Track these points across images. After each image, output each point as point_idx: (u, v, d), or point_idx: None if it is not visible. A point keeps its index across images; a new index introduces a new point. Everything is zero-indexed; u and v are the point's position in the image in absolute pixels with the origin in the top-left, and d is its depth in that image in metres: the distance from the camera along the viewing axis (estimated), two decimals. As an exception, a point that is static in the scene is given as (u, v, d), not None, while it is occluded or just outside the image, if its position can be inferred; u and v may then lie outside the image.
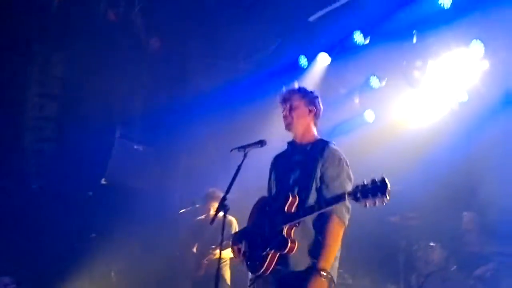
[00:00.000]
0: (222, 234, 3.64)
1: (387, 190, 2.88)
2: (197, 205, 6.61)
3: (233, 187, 3.64)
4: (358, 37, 6.93)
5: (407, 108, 7.56)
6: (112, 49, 7.56)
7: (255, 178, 4.25)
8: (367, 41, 6.94)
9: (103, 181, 7.21)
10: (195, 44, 7.88)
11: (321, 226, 3.31)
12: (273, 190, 3.68)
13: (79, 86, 7.36)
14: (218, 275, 3.69)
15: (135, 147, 7.70)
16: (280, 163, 3.75)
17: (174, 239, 6.79)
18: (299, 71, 7.54)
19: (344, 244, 6.75)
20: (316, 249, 3.28)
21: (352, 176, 3.46)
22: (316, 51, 7.45)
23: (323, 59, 7.45)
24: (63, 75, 7.39)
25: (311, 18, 7.00)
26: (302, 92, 3.66)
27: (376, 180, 2.92)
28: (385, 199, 2.88)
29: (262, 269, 3.28)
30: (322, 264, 3.21)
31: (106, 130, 7.40)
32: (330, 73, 7.47)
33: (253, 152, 3.76)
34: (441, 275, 6.45)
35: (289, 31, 7.38)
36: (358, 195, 2.97)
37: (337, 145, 3.65)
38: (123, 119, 7.61)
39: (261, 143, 3.75)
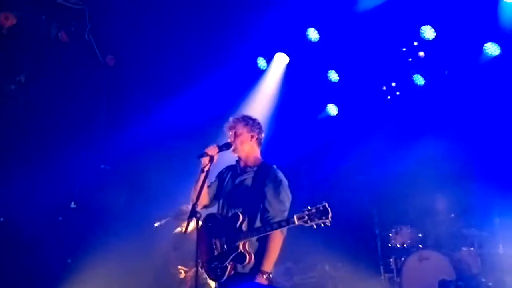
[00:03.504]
0: (197, 245, 3.70)
1: (329, 215, 3.55)
2: (169, 217, 6.59)
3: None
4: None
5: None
6: (68, 71, 7.43)
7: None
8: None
9: (72, 205, 7.06)
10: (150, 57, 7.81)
11: (265, 238, 3.88)
12: (221, 208, 4.18)
13: (38, 109, 7.21)
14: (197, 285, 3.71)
15: (102, 166, 7.58)
16: (227, 179, 4.25)
17: (152, 254, 6.72)
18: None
19: (323, 240, 6.78)
20: (260, 255, 3.89)
21: (290, 194, 4.05)
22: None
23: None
24: (19, 103, 7.21)
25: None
26: (245, 120, 4.21)
27: (320, 207, 3.58)
28: (327, 222, 3.56)
29: (225, 277, 3.88)
30: (264, 267, 3.84)
31: (70, 154, 7.25)
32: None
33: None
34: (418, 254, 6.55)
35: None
36: (306, 218, 3.61)
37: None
38: (87, 140, 7.47)
39: (227, 146, 4.13)
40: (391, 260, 6.94)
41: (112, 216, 7.00)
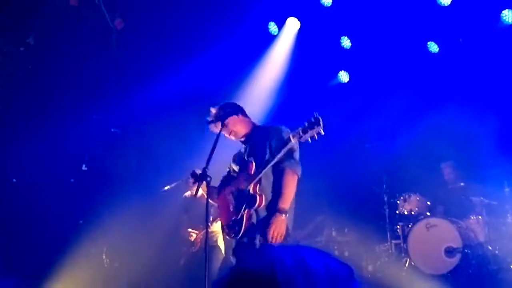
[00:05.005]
0: (207, 208, 3.74)
1: (320, 122, 3.51)
2: (180, 180, 6.64)
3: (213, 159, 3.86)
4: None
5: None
6: (78, 34, 7.38)
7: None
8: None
9: (84, 167, 7.14)
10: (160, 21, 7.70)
11: (278, 180, 3.83)
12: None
13: (47, 72, 7.21)
14: (206, 248, 3.76)
15: (112, 130, 7.62)
16: (238, 154, 4.31)
17: (163, 216, 6.82)
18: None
19: (331, 206, 6.84)
20: (275, 198, 3.82)
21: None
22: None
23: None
24: (28, 66, 7.20)
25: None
26: (218, 113, 4.15)
27: (312, 118, 3.54)
28: (320, 130, 3.51)
29: (242, 230, 3.83)
30: (281, 205, 3.75)
31: (81, 117, 7.29)
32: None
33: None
34: (425, 222, 6.57)
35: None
36: (301, 133, 3.57)
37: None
38: (97, 104, 7.48)
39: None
40: (398, 226, 6.94)
41: (122, 179, 7.09)
